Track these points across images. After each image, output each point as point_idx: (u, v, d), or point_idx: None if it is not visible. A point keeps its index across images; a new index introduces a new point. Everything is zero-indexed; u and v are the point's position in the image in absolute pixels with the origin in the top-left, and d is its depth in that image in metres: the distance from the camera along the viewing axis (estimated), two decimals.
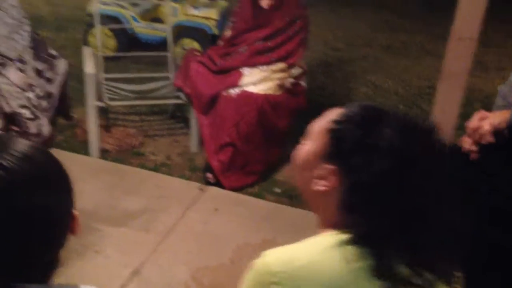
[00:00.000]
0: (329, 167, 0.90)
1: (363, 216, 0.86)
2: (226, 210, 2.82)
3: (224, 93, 3.09)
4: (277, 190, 3.06)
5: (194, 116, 3.29)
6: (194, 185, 3.02)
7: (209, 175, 3.06)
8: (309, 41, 3.37)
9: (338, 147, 0.89)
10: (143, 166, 3.17)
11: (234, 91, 3.08)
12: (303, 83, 3.29)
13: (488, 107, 1.86)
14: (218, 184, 3.03)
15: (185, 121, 3.52)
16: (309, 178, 0.94)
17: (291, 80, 3.17)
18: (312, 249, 0.89)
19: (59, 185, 0.84)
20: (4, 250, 0.76)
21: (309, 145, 0.96)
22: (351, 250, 0.85)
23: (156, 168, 3.17)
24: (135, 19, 4.53)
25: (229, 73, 3.19)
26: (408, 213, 0.85)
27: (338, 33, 5.65)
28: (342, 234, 0.87)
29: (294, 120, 3.14)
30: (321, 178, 0.92)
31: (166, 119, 3.74)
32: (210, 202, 2.87)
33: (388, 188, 0.85)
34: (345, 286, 0.85)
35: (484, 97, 4.04)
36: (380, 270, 0.84)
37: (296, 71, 3.21)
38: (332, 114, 0.94)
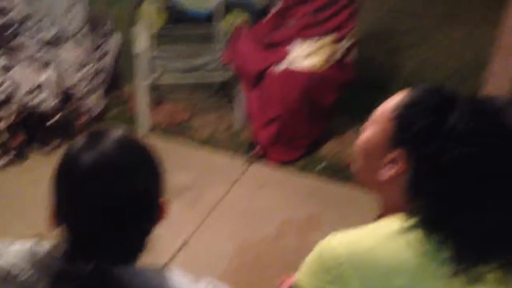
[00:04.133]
0: (397, 152, 0.89)
1: (432, 200, 0.85)
2: (271, 185, 2.86)
3: (271, 70, 3.09)
4: (323, 164, 3.06)
5: (240, 91, 3.31)
6: (240, 160, 3.06)
7: (255, 149, 3.10)
8: (358, 11, 3.29)
9: (405, 133, 0.88)
10: (190, 141, 3.24)
11: (279, 68, 3.07)
12: (351, 55, 3.23)
13: None
14: (264, 158, 3.06)
15: (232, 96, 3.54)
16: (374, 164, 0.94)
17: (340, 53, 3.12)
18: (377, 233, 0.88)
19: (151, 171, 0.87)
20: (102, 232, 0.82)
21: (373, 131, 0.95)
22: (417, 235, 0.85)
23: (202, 143, 3.23)
24: None
25: (278, 47, 3.19)
26: (483, 198, 0.83)
27: (386, 3, 5.46)
28: (408, 219, 0.86)
29: (340, 93, 3.12)
30: (388, 164, 0.91)
31: (213, 94, 3.78)
32: (256, 177, 2.92)
33: (460, 174, 0.83)
34: (410, 271, 0.84)
35: None
36: (458, 262, 0.83)
37: (347, 42, 3.16)
38: (398, 99, 0.92)
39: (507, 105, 0.85)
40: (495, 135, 0.83)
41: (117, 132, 0.87)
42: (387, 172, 0.91)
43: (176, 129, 3.37)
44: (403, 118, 0.89)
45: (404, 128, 0.89)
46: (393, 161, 0.90)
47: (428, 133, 0.85)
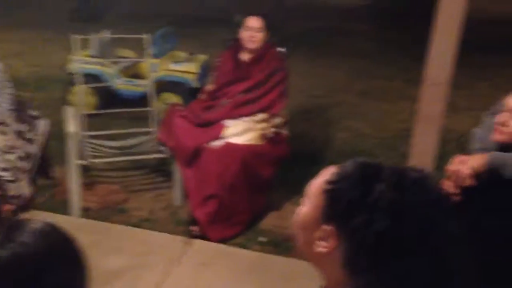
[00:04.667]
0: (328, 228, 0.88)
1: (369, 276, 0.84)
2: (213, 263, 2.78)
3: (207, 146, 3.10)
4: (262, 239, 3.04)
5: (177, 170, 3.29)
6: (179, 239, 2.98)
7: (194, 228, 3.03)
8: (288, 90, 3.44)
9: (334, 207, 0.88)
10: (126, 223, 3.13)
11: (217, 143, 3.10)
12: (284, 131, 3.33)
13: (462, 148, 1.91)
14: (203, 236, 3.00)
15: (168, 175, 3.51)
16: (309, 240, 0.92)
17: (273, 129, 3.21)
18: None
19: (72, 262, 0.84)
20: None
21: (307, 206, 0.95)
22: None
23: (140, 224, 3.13)
24: (115, 76, 4.58)
25: (212, 125, 3.22)
26: (418, 269, 0.83)
27: (315, 82, 5.79)
28: None
29: (276, 168, 3.17)
30: (321, 239, 0.90)
31: (149, 174, 3.73)
32: (196, 256, 2.83)
33: (391, 246, 0.83)
34: None
35: (458, 137, 4.13)
36: None
37: (278, 120, 3.26)
38: (327, 174, 0.93)
39: (427, 177, 0.89)
40: (416, 206, 0.84)
41: (34, 225, 0.83)
42: (321, 248, 0.90)
43: (111, 211, 3.25)
44: (332, 193, 0.89)
45: (333, 202, 0.89)
46: (324, 236, 0.89)
47: (355, 206, 0.85)
